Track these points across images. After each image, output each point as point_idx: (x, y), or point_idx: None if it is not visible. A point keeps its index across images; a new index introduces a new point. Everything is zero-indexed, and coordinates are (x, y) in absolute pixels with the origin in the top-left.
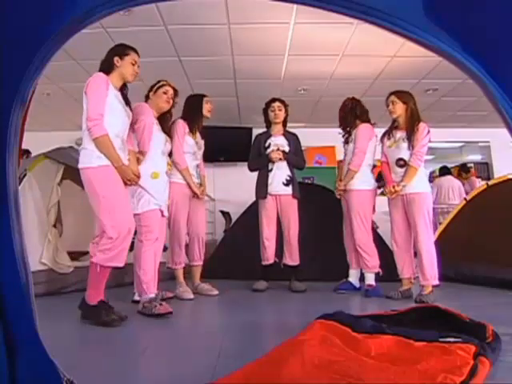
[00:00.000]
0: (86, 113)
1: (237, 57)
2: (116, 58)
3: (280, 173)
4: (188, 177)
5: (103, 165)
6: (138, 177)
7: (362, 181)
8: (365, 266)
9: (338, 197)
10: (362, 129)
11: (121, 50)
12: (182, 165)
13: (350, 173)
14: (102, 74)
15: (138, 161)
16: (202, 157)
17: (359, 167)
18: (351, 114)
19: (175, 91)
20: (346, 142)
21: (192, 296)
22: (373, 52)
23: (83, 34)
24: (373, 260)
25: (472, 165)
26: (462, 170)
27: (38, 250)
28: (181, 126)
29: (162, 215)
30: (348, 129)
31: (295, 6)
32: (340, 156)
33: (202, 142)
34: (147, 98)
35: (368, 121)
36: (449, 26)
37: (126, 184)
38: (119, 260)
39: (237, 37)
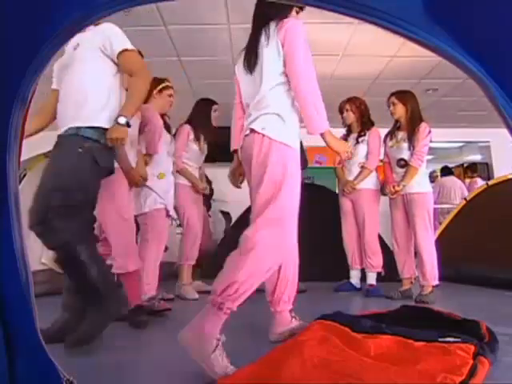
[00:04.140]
0: None
1: (237, 57)
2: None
3: None
4: (187, 175)
5: None
6: (145, 179)
7: (372, 181)
8: (369, 266)
9: (345, 195)
10: (377, 131)
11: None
12: (177, 167)
13: (366, 171)
14: None
15: (145, 163)
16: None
17: (374, 167)
18: (368, 115)
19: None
20: (357, 141)
21: (197, 296)
22: (373, 52)
23: None
24: (377, 259)
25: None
26: (469, 169)
27: (38, 250)
28: (185, 133)
29: (167, 215)
30: (363, 130)
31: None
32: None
33: (205, 147)
34: (149, 95)
35: None
36: (449, 26)
37: (131, 186)
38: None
39: (237, 37)
